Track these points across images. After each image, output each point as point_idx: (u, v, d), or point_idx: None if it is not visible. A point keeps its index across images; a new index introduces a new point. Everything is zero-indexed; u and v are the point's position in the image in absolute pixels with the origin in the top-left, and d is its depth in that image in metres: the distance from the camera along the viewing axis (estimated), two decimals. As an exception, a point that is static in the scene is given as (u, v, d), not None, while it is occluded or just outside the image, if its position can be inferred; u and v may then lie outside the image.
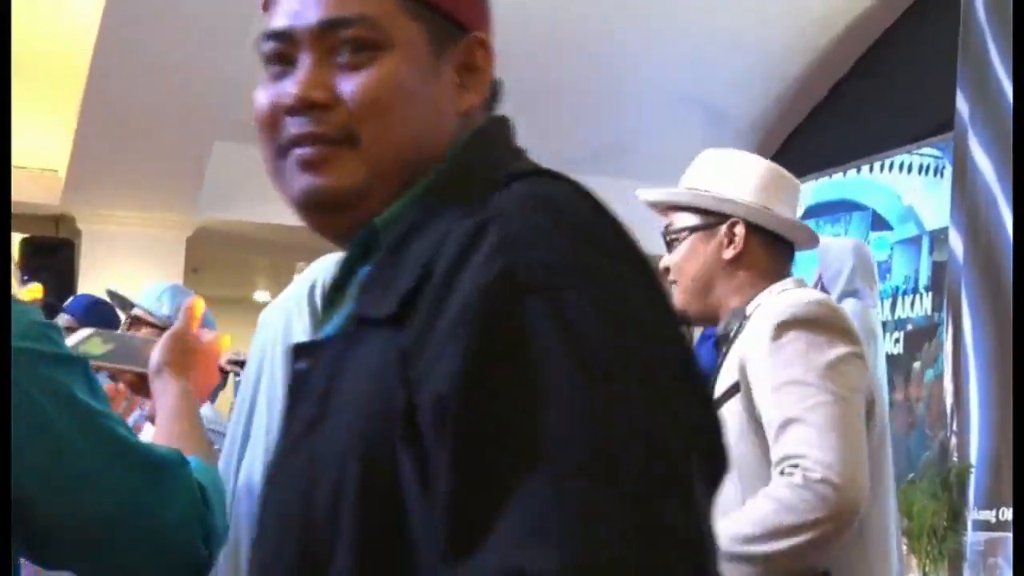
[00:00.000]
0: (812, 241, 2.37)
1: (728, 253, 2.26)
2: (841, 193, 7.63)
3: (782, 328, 2.09)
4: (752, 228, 2.26)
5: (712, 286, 2.27)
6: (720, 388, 2.15)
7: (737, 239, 2.26)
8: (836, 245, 4.12)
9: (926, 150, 7.06)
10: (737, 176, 2.30)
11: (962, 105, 6.57)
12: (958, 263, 5.88)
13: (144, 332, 3.44)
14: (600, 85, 8.14)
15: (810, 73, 8.15)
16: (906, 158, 7.17)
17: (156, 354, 1.79)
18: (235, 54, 7.02)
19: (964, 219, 6.09)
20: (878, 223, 7.42)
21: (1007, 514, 5.06)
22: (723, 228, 2.26)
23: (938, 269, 6.52)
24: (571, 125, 8.50)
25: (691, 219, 2.31)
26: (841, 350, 2.08)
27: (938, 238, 6.58)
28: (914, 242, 7.03)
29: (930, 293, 6.64)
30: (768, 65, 8.10)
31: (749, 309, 2.22)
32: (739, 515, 2.00)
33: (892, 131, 7.32)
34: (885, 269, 7.05)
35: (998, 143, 6.55)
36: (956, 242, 5.98)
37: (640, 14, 7.50)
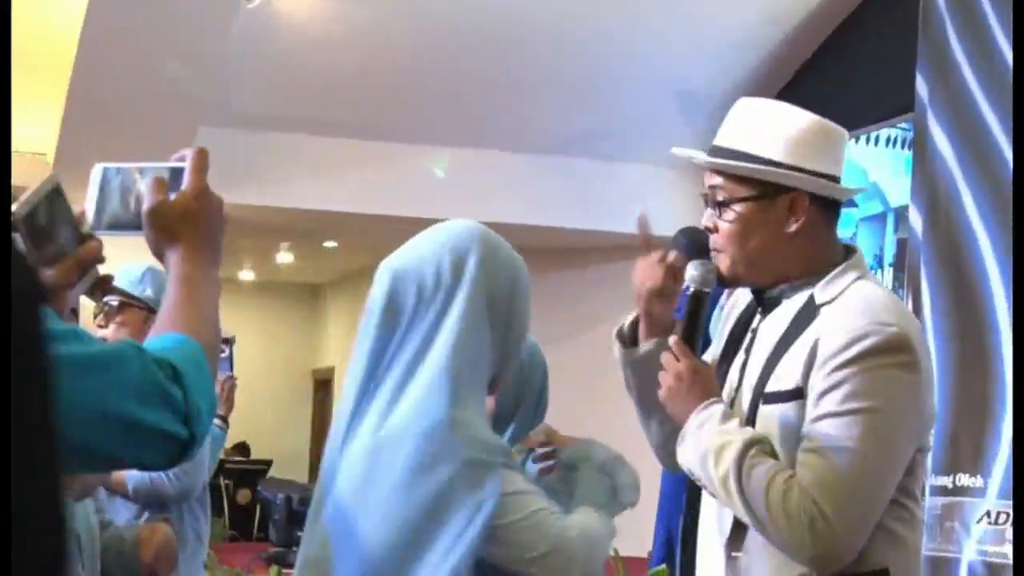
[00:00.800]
0: (860, 192, 2.37)
1: (791, 227, 2.13)
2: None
3: (864, 353, 2.00)
4: (812, 197, 2.14)
5: (770, 257, 2.16)
6: (772, 367, 2.10)
7: (800, 212, 2.13)
8: None
9: (896, 124, 7.12)
10: (790, 138, 2.14)
11: (921, 87, 6.64)
12: (918, 240, 5.96)
13: (129, 315, 3.42)
14: (584, 72, 8.20)
15: (777, 56, 8.22)
16: (873, 132, 7.21)
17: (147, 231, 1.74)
18: (220, 41, 7.05)
19: (924, 198, 6.17)
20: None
21: (963, 479, 5.16)
22: (785, 200, 2.13)
23: (903, 246, 6.59)
24: (559, 110, 8.55)
25: (746, 188, 2.15)
26: (907, 376, 2.02)
27: (903, 215, 6.64)
28: (879, 219, 7.09)
29: (893, 270, 6.73)
30: (738, 49, 8.17)
31: (820, 296, 2.11)
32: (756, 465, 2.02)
33: (856, 112, 7.39)
34: (849, 246, 7.13)
35: (957, 124, 6.62)
36: (916, 220, 6.06)
37: (623, 6, 7.60)
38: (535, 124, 8.67)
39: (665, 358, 2.15)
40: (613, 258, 8.49)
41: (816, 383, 2.02)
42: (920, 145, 6.67)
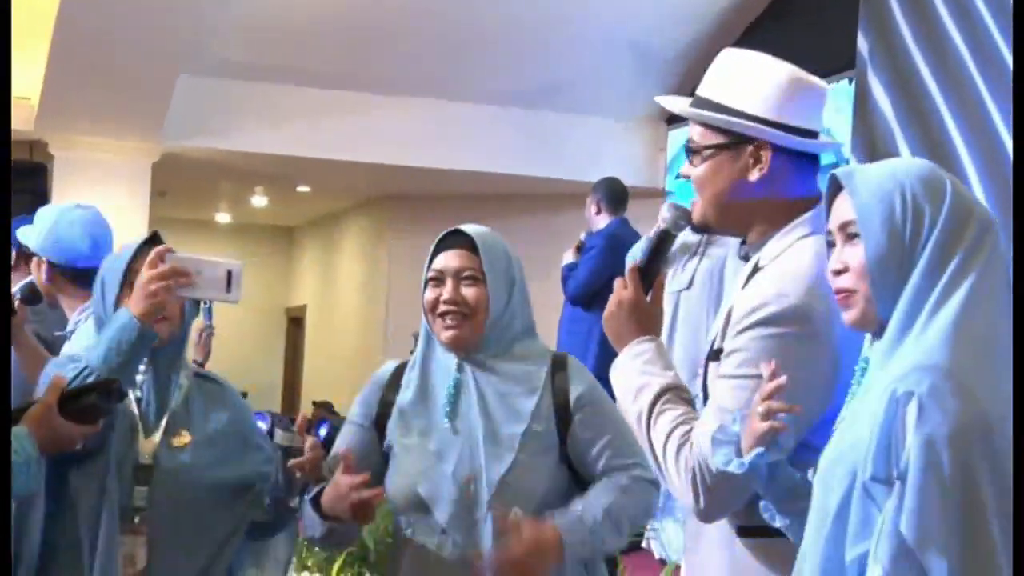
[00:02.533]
0: (833, 149, 2.27)
1: (754, 175, 2.09)
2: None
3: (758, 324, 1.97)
4: (777, 148, 2.09)
5: (733, 204, 2.11)
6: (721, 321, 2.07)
7: (763, 162, 2.08)
8: None
9: (838, 80, 7.12)
10: (762, 90, 2.10)
11: (862, 44, 6.68)
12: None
13: (33, 266, 3.30)
14: (543, 28, 8.18)
15: (728, 13, 8.23)
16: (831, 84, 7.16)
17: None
18: (197, -8, 7.00)
19: (864, 151, 6.23)
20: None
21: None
22: (749, 149, 2.09)
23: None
24: (519, 64, 8.54)
25: (716, 137, 2.11)
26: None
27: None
28: (834, 169, 7.09)
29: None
30: (690, 7, 8.18)
31: (764, 256, 2.07)
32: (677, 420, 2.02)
33: (801, 67, 7.42)
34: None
35: (896, 81, 6.67)
36: (856, 172, 6.11)
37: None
38: (497, 76, 8.65)
39: (616, 282, 2.15)
40: (567, 206, 8.54)
41: (726, 345, 2.01)
42: (861, 101, 6.72)
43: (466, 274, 2.34)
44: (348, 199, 12.35)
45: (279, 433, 2.44)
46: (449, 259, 2.37)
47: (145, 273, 2.31)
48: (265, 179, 11.10)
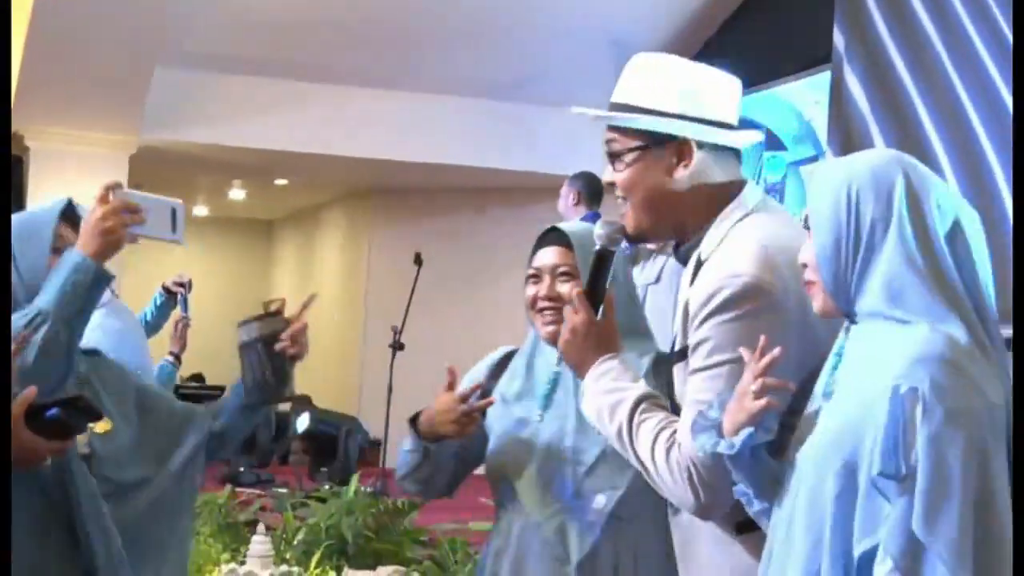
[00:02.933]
0: (755, 140, 2.27)
1: (680, 172, 2.08)
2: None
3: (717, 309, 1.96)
4: (700, 143, 2.07)
5: (664, 206, 2.10)
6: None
7: (687, 158, 2.07)
8: None
9: (815, 74, 7.11)
10: (677, 88, 2.09)
11: (838, 39, 6.69)
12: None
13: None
14: (520, 21, 8.17)
15: (704, 7, 8.24)
16: (810, 77, 7.13)
17: None
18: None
19: (839, 144, 6.24)
20: (772, 143, 7.45)
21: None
22: (670, 147, 2.08)
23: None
24: (496, 57, 8.52)
25: (637, 139, 2.10)
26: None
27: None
28: (810, 163, 7.08)
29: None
30: (667, 1, 8.19)
31: (704, 250, 2.06)
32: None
33: (778, 62, 7.43)
34: (778, 192, 7.10)
35: (871, 75, 6.69)
36: (832, 166, 6.13)
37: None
38: (474, 69, 8.64)
39: (566, 311, 2.13)
40: (544, 198, 8.54)
41: (690, 342, 2.00)
42: (837, 94, 6.74)
43: (561, 270, 2.39)
44: (327, 192, 12.31)
45: (254, 325, 2.45)
46: (545, 256, 2.43)
47: (98, 209, 2.16)
48: (243, 172, 11.06)
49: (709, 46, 8.36)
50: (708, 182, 2.09)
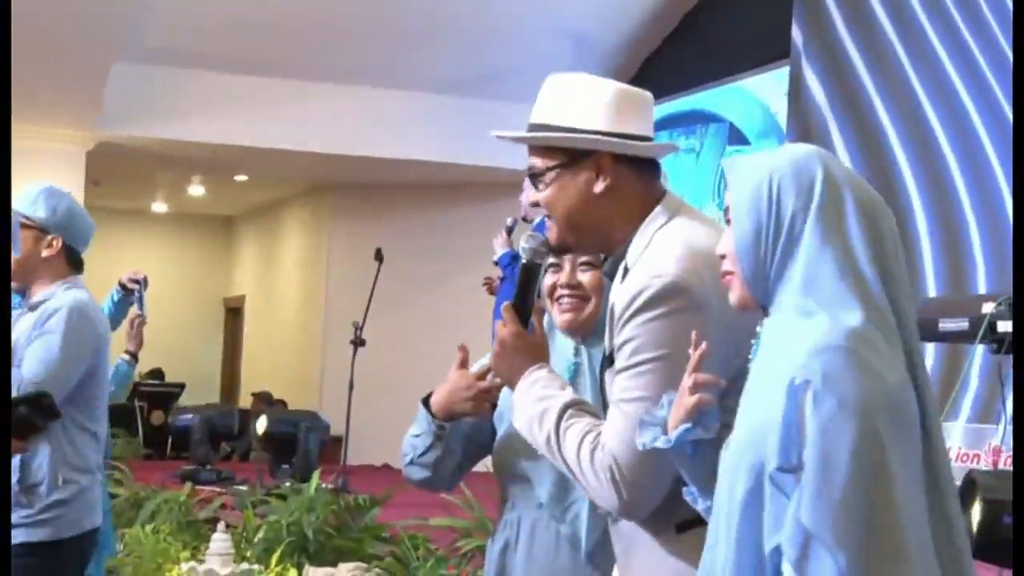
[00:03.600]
0: (671, 151, 2.28)
1: (599, 187, 2.11)
2: (697, 104, 7.54)
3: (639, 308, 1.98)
4: (617, 157, 2.11)
5: (586, 220, 2.13)
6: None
7: (605, 172, 2.11)
8: None
9: (774, 70, 7.15)
10: (591, 105, 2.13)
11: (796, 35, 6.73)
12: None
13: (24, 235, 3.24)
14: (483, 17, 8.17)
15: (665, 3, 8.25)
16: (775, 71, 7.13)
17: None
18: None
19: (798, 139, 6.27)
20: (735, 137, 7.47)
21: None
22: (588, 163, 2.11)
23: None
24: (458, 53, 8.51)
25: (556, 157, 2.14)
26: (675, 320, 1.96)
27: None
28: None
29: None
30: (627, -3, 8.22)
31: (630, 258, 2.07)
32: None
33: (737, 58, 7.47)
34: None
35: (829, 70, 6.73)
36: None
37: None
38: (435, 65, 8.62)
39: (496, 325, 2.16)
40: (507, 194, 8.53)
41: (615, 342, 2.02)
42: (795, 90, 6.77)
43: (583, 259, 2.36)
44: (287, 188, 12.25)
45: None
46: None
47: None
48: (202, 168, 10.98)
49: (670, 40, 8.39)
50: (628, 195, 2.13)
